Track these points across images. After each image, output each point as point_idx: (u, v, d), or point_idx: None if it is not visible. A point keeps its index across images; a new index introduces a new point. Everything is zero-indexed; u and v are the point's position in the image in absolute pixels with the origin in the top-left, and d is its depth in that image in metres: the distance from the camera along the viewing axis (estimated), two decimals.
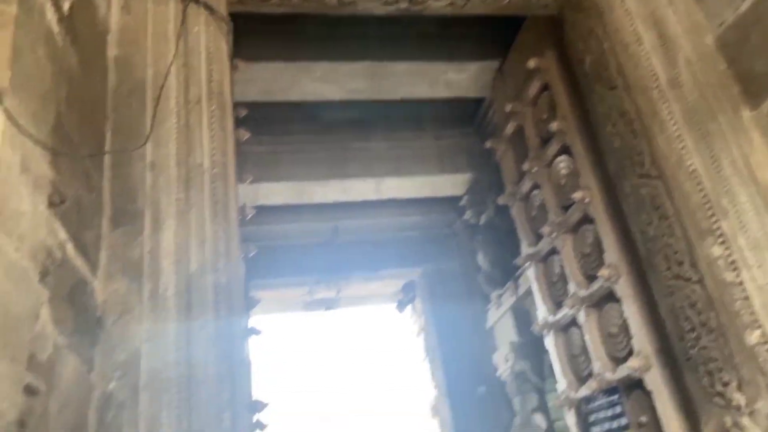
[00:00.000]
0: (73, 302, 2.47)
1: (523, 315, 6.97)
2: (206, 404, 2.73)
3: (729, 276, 3.13)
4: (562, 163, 4.81)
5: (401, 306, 11.35)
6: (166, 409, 2.72)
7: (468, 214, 7.86)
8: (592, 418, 4.37)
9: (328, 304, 10.60)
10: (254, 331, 5.49)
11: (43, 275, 1.95)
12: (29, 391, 1.78)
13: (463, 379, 8.41)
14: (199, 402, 2.74)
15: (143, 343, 2.79)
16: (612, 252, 4.18)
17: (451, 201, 8.21)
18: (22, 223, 1.70)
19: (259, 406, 4.65)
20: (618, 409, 4.10)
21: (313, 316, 12.42)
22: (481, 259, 7.55)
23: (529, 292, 6.74)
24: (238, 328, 3.26)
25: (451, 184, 7.76)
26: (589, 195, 4.38)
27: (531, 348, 6.94)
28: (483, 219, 7.55)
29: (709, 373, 3.28)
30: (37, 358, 1.84)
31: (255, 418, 4.51)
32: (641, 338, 3.89)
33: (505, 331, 7.35)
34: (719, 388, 3.18)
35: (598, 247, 4.37)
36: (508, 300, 7.17)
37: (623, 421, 4.04)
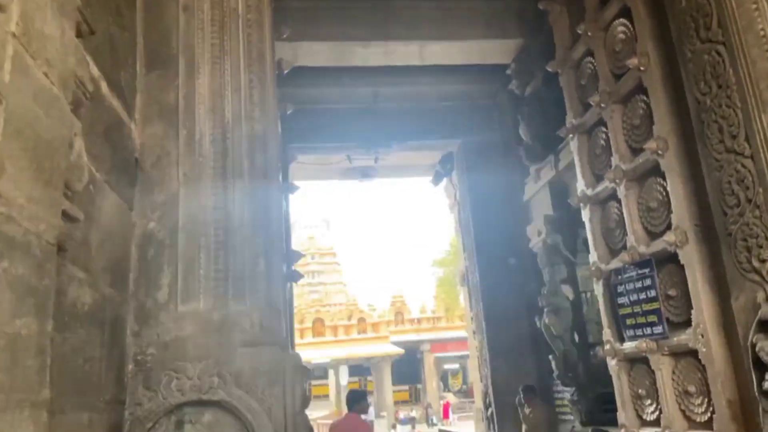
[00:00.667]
0: (110, 140, 2.50)
1: (560, 189, 6.89)
2: (241, 248, 2.84)
3: None
4: (620, 27, 4.46)
5: (438, 178, 11.35)
6: (203, 251, 2.84)
7: (513, 84, 7.54)
8: (620, 289, 4.41)
9: (366, 173, 10.66)
10: (292, 188, 5.61)
11: (76, 106, 1.94)
12: (67, 217, 1.84)
13: (495, 251, 8.55)
14: (234, 245, 2.84)
15: (181, 186, 2.86)
16: (662, 124, 3.98)
17: (497, 69, 7.84)
18: (49, 47, 1.66)
19: (295, 256, 4.86)
20: (648, 282, 4.11)
21: (350, 184, 12.56)
22: (523, 131, 7.35)
23: (568, 167, 6.61)
24: (275, 178, 3.30)
25: (498, 50, 7.36)
26: (646, 62, 4.09)
27: (565, 222, 6.93)
28: (529, 89, 7.25)
29: (748, 248, 3.21)
30: (74, 187, 1.88)
31: (291, 267, 4.73)
32: (681, 213, 3.80)
33: (541, 205, 7.33)
34: (756, 264, 3.13)
35: (648, 118, 4.16)
36: (547, 174, 7.07)
37: (652, 293, 4.07)
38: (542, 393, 7.42)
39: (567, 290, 6.87)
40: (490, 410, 8.29)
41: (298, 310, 33.39)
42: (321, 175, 11.32)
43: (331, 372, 34.81)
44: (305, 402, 2.73)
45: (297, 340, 31.81)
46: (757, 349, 3.03)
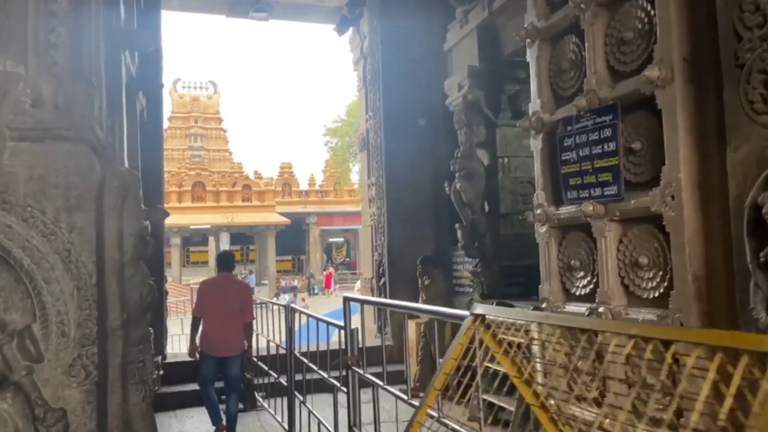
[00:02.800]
0: None
1: (490, 36, 5.92)
2: None
3: None
4: None
5: (343, 25, 9.89)
6: None
7: None
8: (567, 142, 3.64)
9: (258, 6, 9.03)
10: None
11: None
12: None
13: (405, 110, 7.60)
14: None
15: None
16: None
17: None
18: None
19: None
20: (607, 133, 3.34)
21: (239, 23, 10.75)
22: None
23: (504, 9, 5.62)
24: None
25: None
26: None
27: (491, 76, 6.05)
28: None
29: (764, 83, 2.45)
30: None
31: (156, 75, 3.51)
32: (668, 45, 2.97)
33: (464, 55, 6.35)
34: None
35: None
36: (477, 17, 6.03)
37: (610, 146, 3.32)
38: (441, 264, 6.90)
39: (483, 154, 6.14)
40: (383, 280, 7.74)
41: (176, 173, 31.26)
42: (205, 6, 9.52)
43: (211, 239, 33.70)
44: (144, 250, 1.69)
45: (173, 203, 30.10)
46: (764, 210, 2.35)
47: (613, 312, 3.30)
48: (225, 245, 28.49)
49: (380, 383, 3.49)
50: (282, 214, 31.69)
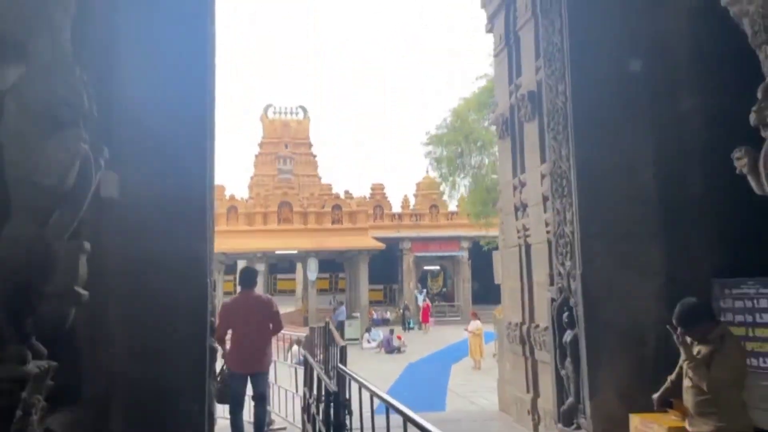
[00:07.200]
0: None
1: None
2: None
3: None
4: None
5: None
6: None
7: None
8: None
9: None
10: None
11: None
12: None
13: (603, 52, 4.53)
14: None
15: None
16: None
17: None
18: None
19: None
20: None
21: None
22: None
23: None
24: None
25: None
26: None
27: None
28: None
29: None
30: None
31: None
32: None
33: None
34: None
35: None
36: None
37: None
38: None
39: None
40: (568, 335, 4.58)
41: (261, 190, 29.54)
42: None
43: (298, 265, 31.61)
44: None
45: (258, 225, 28.24)
46: None
47: None
48: (313, 273, 26.09)
49: None
50: (373, 239, 29.11)
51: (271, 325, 5.57)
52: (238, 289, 6.23)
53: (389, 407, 2.26)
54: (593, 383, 4.31)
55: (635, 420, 3.84)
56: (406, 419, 2.01)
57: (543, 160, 5.60)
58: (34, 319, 2.41)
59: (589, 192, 4.48)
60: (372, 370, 13.00)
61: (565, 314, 4.64)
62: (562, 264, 4.75)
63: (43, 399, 2.46)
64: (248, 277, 5.79)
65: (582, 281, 4.42)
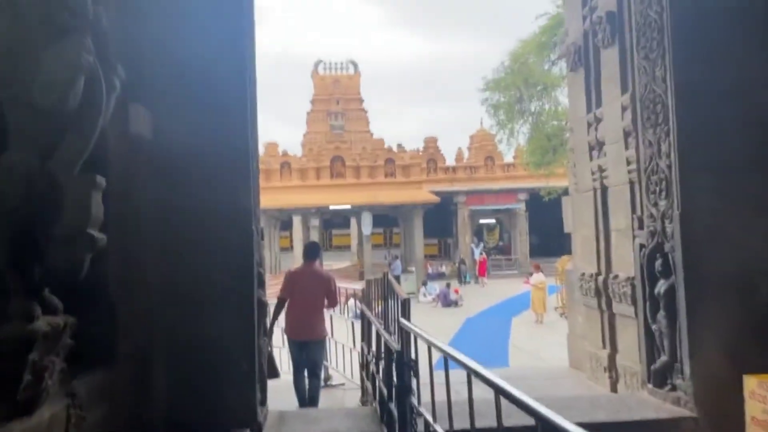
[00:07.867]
0: None
1: None
2: None
3: None
4: None
5: None
6: None
7: None
8: None
9: None
10: None
11: None
12: None
13: None
14: None
15: None
16: None
17: None
18: None
19: None
20: None
21: None
22: None
23: None
24: None
25: None
26: None
27: None
28: None
29: None
30: None
31: None
32: None
33: None
34: None
35: None
36: None
37: None
38: None
39: None
40: (661, 285, 3.98)
41: (314, 147, 29.28)
42: None
43: (352, 220, 31.47)
44: None
45: (311, 180, 28.07)
46: None
47: None
48: (368, 227, 25.84)
49: None
50: (427, 192, 28.52)
51: (326, 301, 5.94)
52: (300, 261, 6.78)
53: (472, 373, 1.78)
54: (694, 339, 3.72)
55: (751, 382, 3.27)
56: (498, 391, 1.53)
57: (624, 90, 4.88)
58: (46, 268, 2.03)
59: (691, 118, 3.79)
60: (429, 324, 12.64)
61: (658, 261, 4.02)
62: (655, 204, 4.11)
63: (62, 360, 2.11)
64: (312, 251, 6.32)
65: (681, 222, 3.78)
